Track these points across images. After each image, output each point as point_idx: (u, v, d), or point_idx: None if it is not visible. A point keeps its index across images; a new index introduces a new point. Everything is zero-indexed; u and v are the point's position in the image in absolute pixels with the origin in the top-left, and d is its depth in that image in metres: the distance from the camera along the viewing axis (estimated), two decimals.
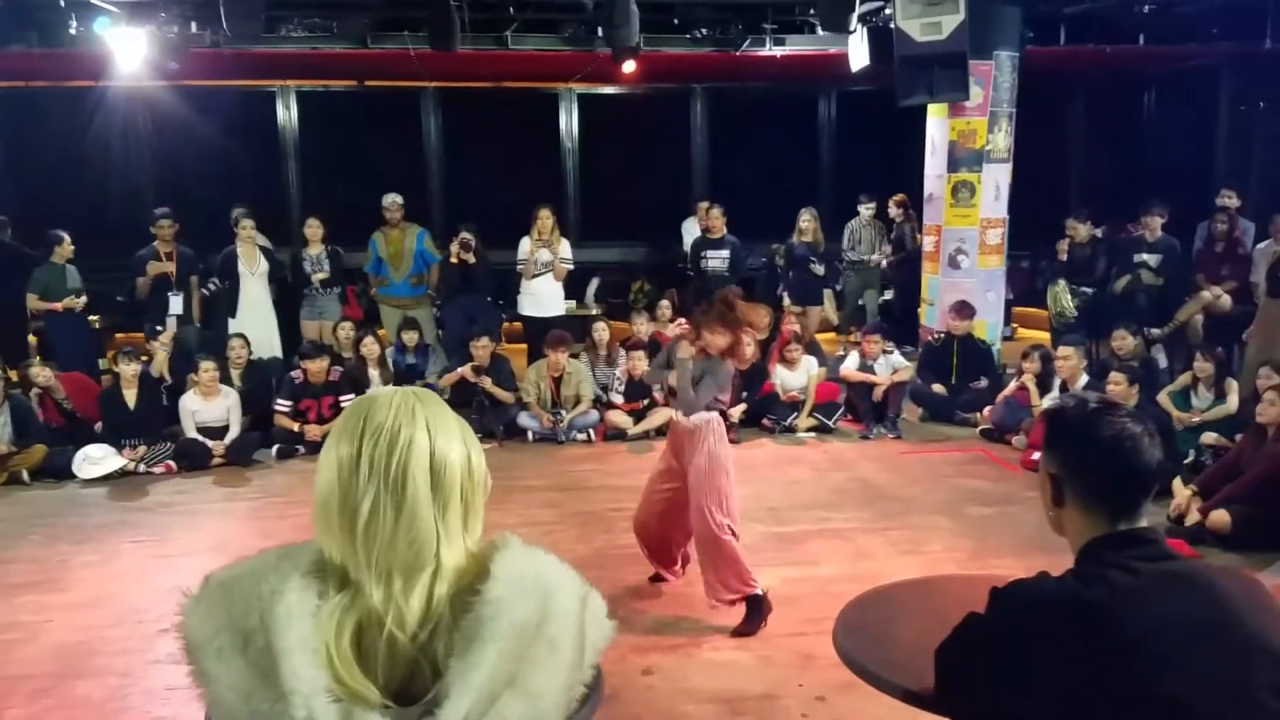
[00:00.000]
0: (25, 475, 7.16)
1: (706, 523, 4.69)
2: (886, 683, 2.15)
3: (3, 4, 8.34)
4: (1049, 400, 7.63)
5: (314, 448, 7.85)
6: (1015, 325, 11.58)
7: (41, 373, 7.73)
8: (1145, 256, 8.80)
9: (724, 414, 5.02)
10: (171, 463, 7.51)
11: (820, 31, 9.67)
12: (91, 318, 9.81)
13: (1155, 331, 8.66)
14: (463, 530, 1.39)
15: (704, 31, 9.93)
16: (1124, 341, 7.76)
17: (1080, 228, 9.27)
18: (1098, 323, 8.92)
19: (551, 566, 1.42)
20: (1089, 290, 9.08)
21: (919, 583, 2.77)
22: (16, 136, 11.42)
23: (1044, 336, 9.90)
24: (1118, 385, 6.63)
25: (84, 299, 8.86)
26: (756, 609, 4.76)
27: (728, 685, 4.27)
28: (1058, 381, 7.71)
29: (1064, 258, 9.39)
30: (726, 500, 4.75)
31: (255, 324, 8.88)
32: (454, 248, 8.87)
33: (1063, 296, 9.18)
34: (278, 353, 9.04)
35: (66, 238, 8.79)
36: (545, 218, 9.16)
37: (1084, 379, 7.54)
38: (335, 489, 1.35)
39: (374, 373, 8.37)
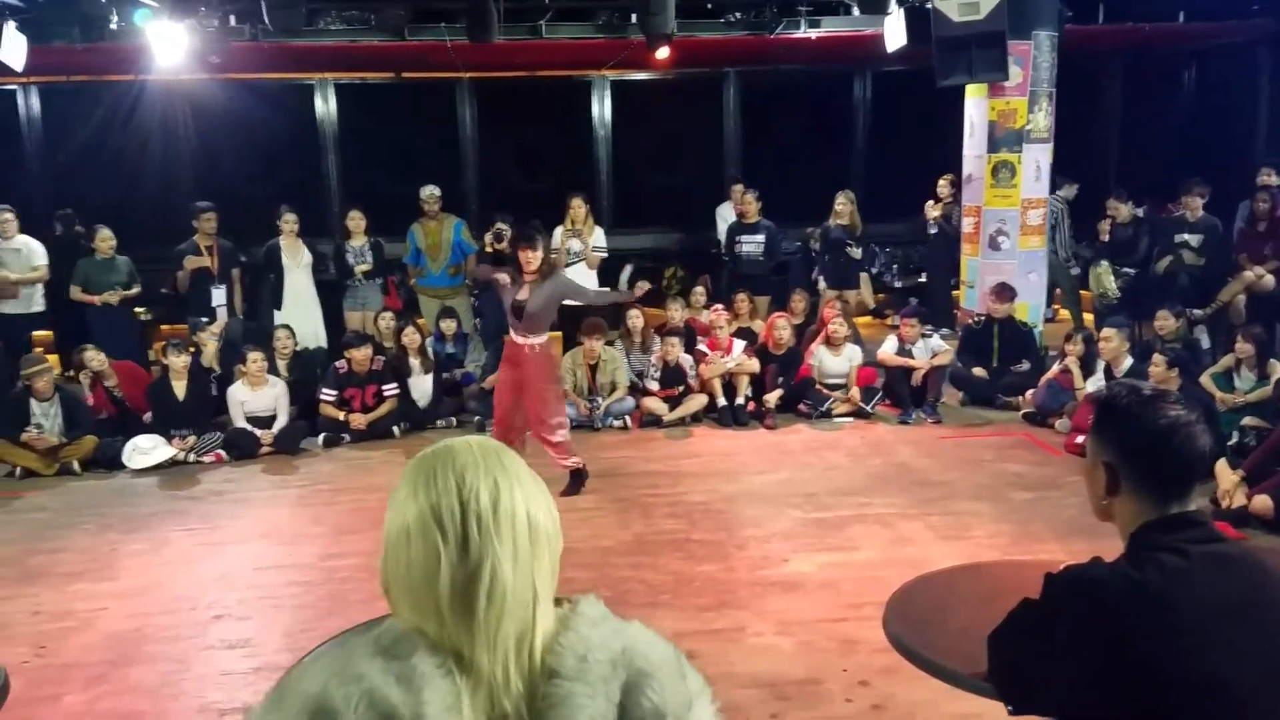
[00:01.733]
0: (76, 466, 7.32)
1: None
2: (938, 667, 2.16)
3: (45, 0, 8.46)
4: (1092, 383, 7.57)
5: (358, 436, 7.97)
6: (1057, 307, 11.46)
7: (95, 357, 7.85)
8: (1186, 236, 8.69)
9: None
10: (221, 452, 7.63)
11: (856, 13, 9.60)
12: (138, 310, 10.00)
13: (1197, 312, 8.55)
14: (549, 588, 1.28)
15: (738, 15, 9.89)
16: (1166, 323, 7.67)
17: (1122, 207, 9.17)
18: (1140, 303, 8.81)
19: (637, 645, 1.25)
20: (1131, 271, 8.98)
21: (968, 568, 2.78)
22: (59, 130, 11.60)
23: (1088, 317, 9.80)
24: (1157, 367, 6.56)
25: (134, 290, 8.98)
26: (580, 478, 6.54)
27: (770, 670, 4.30)
28: (1101, 364, 7.64)
29: (1106, 238, 9.29)
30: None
31: (300, 315, 9.01)
32: (488, 238, 8.92)
33: (1105, 277, 9.08)
34: (323, 343, 9.16)
35: (103, 230, 8.91)
36: (577, 207, 9.18)
37: (1128, 361, 7.46)
38: (443, 554, 1.21)
39: (414, 361, 8.45)
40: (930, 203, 10.61)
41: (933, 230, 10.61)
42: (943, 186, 10.54)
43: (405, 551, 1.23)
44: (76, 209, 10.07)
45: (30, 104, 11.66)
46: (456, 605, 1.20)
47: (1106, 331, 7.60)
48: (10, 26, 8.06)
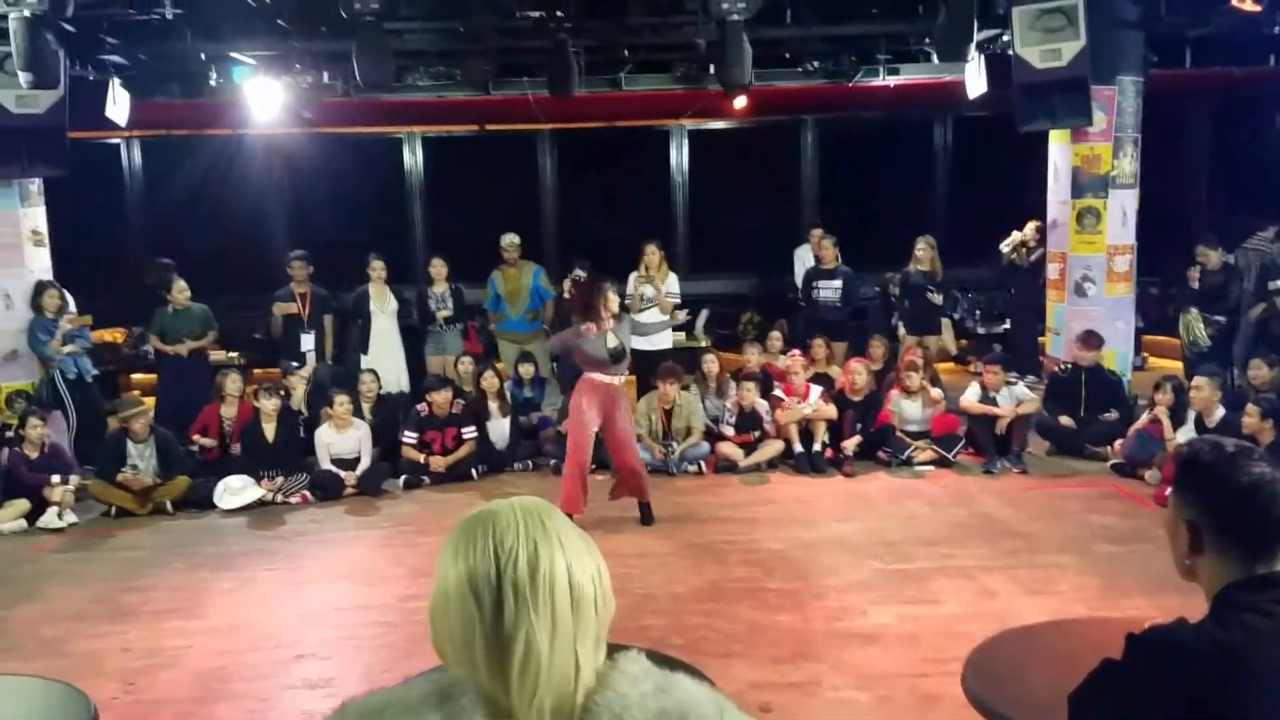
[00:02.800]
0: (169, 506, 7.55)
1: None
2: None
3: (147, 58, 8.89)
4: (1183, 433, 7.34)
5: (438, 478, 8.10)
6: (1146, 355, 11.15)
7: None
8: None
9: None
10: (307, 493, 7.82)
11: (935, 60, 9.58)
12: (231, 354, 10.32)
13: None
14: (594, 656, 1.25)
15: (815, 64, 9.94)
16: (1260, 372, 7.43)
17: (1211, 254, 8.93)
18: (1232, 352, 8.55)
19: (677, 705, 1.23)
20: (1222, 319, 8.73)
21: (1051, 625, 2.72)
22: (159, 181, 12.12)
23: (1176, 366, 9.53)
24: (1251, 418, 6.36)
25: (208, 339, 9.20)
26: (650, 511, 6.94)
27: None
28: (1192, 414, 7.42)
29: (1195, 285, 9.05)
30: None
31: (385, 359, 9.22)
32: (566, 284, 9.06)
33: (1195, 325, 8.85)
34: (405, 387, 9.35)
35: (179, 282, 9.15)
36: (651, 253, 9.27)
37: (1220, 411, 7.23)
38: (478, 621, 1.22)
39: (493, 405, 8.57)
40: (1012, 241, 10.40)
41: (1011, 259, 10.38)
42: (1029, 230, 10.27)
43: (445, 617, 1.25)
44: (175, 257, 10.44)
45: (133, 156, 12.23)
46: (493, 671, 1.21)
47: (1198, 381, 7.40)
48: (116, 83, 8.48)
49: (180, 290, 9.13)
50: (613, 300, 6.68)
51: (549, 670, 1.20)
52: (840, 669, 4.72)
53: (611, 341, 6.64)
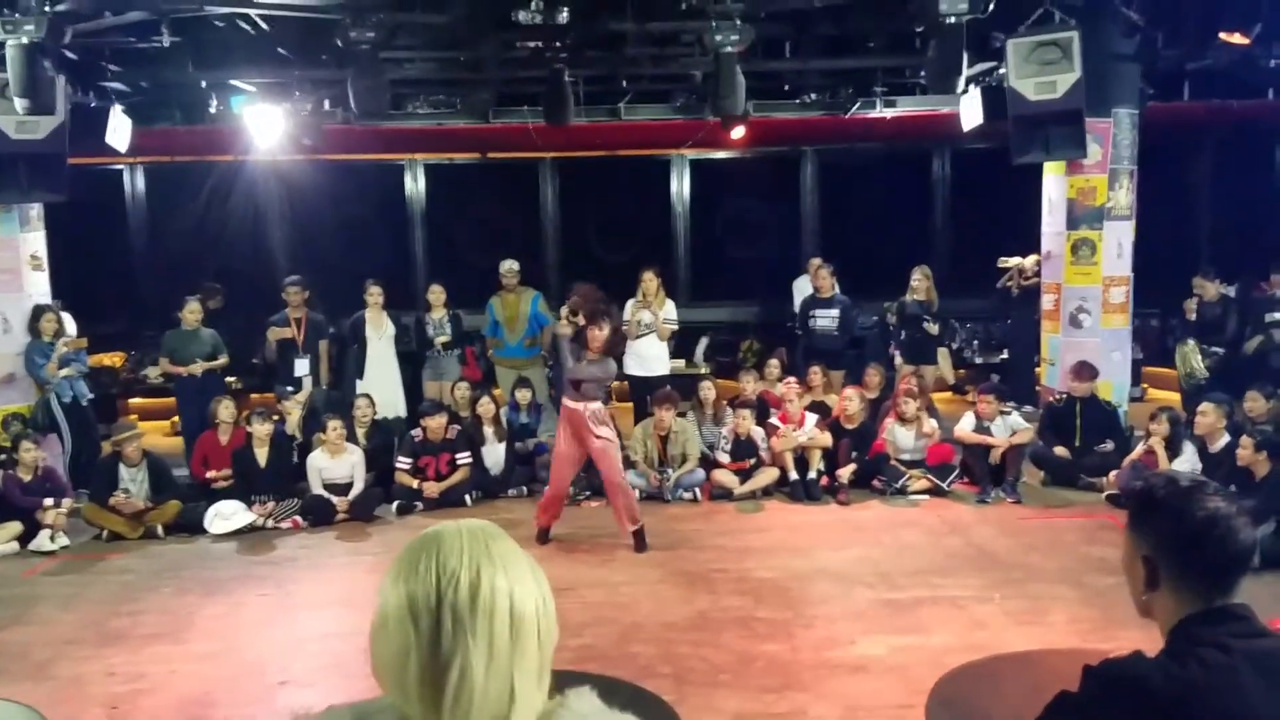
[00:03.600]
0: (160, 530, 7.54)
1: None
2: None
3: (149, 86, 8.97)
4: (1179, 464, 7.31)
5: (432, 504, 8.08)
6: (1145, 386, 11.14)
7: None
8: (1278, 315, 8.41)
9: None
10: (298, 518, 7.80)
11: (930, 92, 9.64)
12: (229, 379, 10.34)
13: None
14: (536, 686, 1.23)
15: (813, 96, 10.01)
16: (1255, 404, 7.41)
17: (1209, 286, 8.93)
18: (1230, 384, 8.52)
19: None
20: (1219, 350, 8.71)
21: (1019, 657, 2.70)
22: (162, 207, 12.20)
23: (1176, 397, 9.51)
24: (1245, 450, 6.34)
25: (220, 361, 9.23)
26: (642, 536, 6.93)
27: None
28: (1189, 445, 7.39)
29: (1192, 317, 9.04)
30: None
31: (381, 385, 9.22)
32: (563, 311, 9.06)
33: (1192, 357, 8.83)
34: (402, 412, 9.35)
35: (191, 303, 9.21)
36: (648, 280, 9.29)
37: (1224, 438, 7.20)
38: (414, 646, 1.19)
39: (489, 430, 8.58)
40: (1012, 262, 10.41)
41: (1006, 283, 10.40)
42: (1030, 261, 10.26)
43: (382, 641, 1.22)
44: (176, 281, 10.47)
45: (136, 183, 12.33)
46: (424, 698, 1.18)
47: (1204, 406, 7.37)
48: (117, 110, 8.56)
49: (192, 311, 9.17)
50: (599, 335, 6.86)
51: (483, 700, 1.17)
52: (826, 699, 4.68)
53: (592, 370, 6.84)
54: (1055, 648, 3.22)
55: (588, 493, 8.09)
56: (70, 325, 9.25)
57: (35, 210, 8.67)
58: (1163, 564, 1.80)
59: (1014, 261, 10.42)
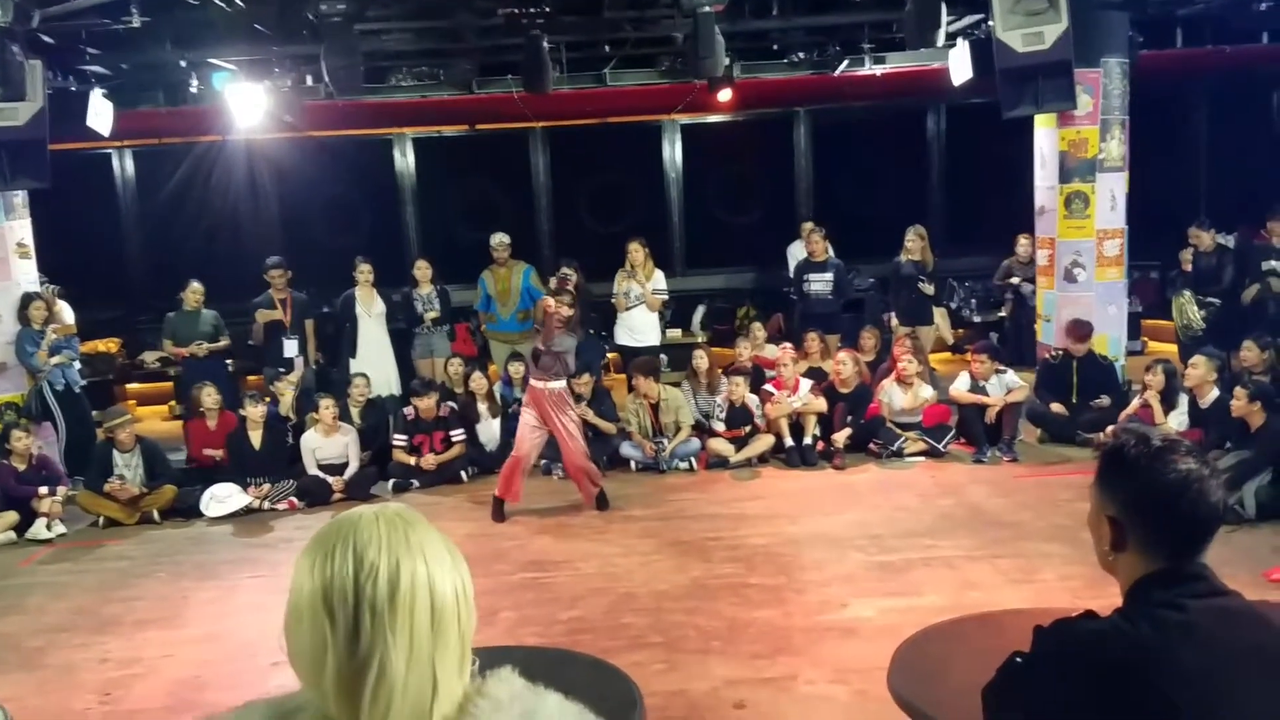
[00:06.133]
0: (156, 515, 7.55)
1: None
2: None
3: (129, 68, 8.88)
4: (1174, 417, 7.27)
5: (428, 481, 8.08)
6: (1145, 339, 11.04)
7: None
8: (1275, 264, 8.33)
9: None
10: (294, 499, 7.80)
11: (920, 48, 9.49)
12: (227, 361, 10.33)
13: None
14: (458, 674, 1.20)
15: (801, 55, 9.87)
16: (1250, 354, 7.33)
17: (1203, 235, 8.83)
18: (1227, 335, 8.45)
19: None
20: (1216, 301, 8.62)
21: (982, 618, 2.68)
22: (151, 189, 12.12)
23: (1175, 350, 9.42)
24: (1239, 401, 6.28)
25: (222, 343, 9.22)
26: (604, 494, 7.17)
27: None
28: (1183, 398, 7.33)
29: (1188, 268, 8.94)
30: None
31: (374, 363, 9.19)
32: (552, 284, 9.01)
33: (1188, 308, 8.74)
34: (396, 390, 9.32)
35: (193, 284, 9.21)
36: (635, 250, 9.22)
37: (1214, 392, 7.14)
38: (330, 642, 1.15)
39: (482, 407, 8.56)
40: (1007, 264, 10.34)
41: (1009, 297, 10.36)
42: (1023, 245, 10.07)
43: (297, 633, 1.18)
44: (166, 265, 10.44)
45: (125, 166, 12.24)
46: (342, 694, 1.15)
47: (1195, 359, 7.33)
48: (97, 94, 8.48)
49: (194, 292, 9.16)
50: (560, 307, 6.92)
51: (403, 696, 1.14)
52: (817, 664, 4.67)
53: (555, 346, 6.88)
54: (1015, 609, 3.19)
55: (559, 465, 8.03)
56: (68, 314, 9.23)
57: (20, 198, 8.61)
58: (1130, 526, 1.75)
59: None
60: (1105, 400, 8.13)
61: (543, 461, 8.21)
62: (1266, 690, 1.58)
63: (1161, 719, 1.57)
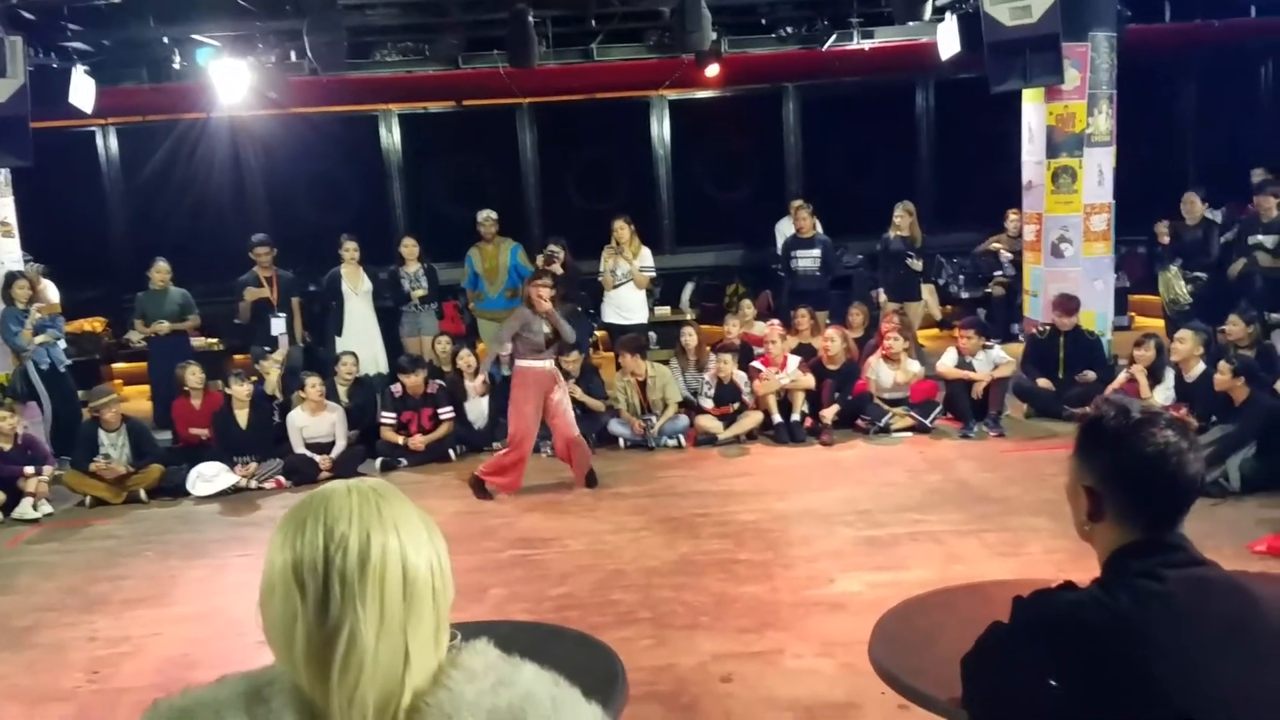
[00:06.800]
0: (143, 494, 7.53)
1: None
2: (917, 692, 2.09)
3: (111, 44, 8.79)
4: (1160, 392, 7.29)
5: (415, 460, 8.07)
6: (1133, 315, 11.06)
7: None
8: (1261, 238, 8.33)
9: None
10: (281, 478, 7.79)
11: (908, 22, 9.45)
12: (210, 340, 10.29)
13: (1275, 316, 8.18)
14: (433, 646, 1.21)
15: (789, 30, 9.82)
16: (1235, 328, 7.35)
17: (1197, 204, 8.79)
18: (1214, 309, 8.47)
19: (518, 694, 1.18)
20: (1202, 276, 8.63)
21: (966, 589, 2.69)
22: (135, 167, 12.02)
23: (1161, 325, 9.45)
24: (1223, 375, 6.31)
25: (189, 322, 9.17)
26: (593, 472, 7.16)
27: (808, 693, 4.21)
28: (1170, 372, 7.35)
29: (1165, 240, 8.94)
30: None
31: (361, 341, 9.15)
32: (540, 261, 9.00)
33: (1175, 283, 8.77)
34: (383, 368, 9.29)
35: (159, 263, 9.12)
36: (620, 228, 9.20)
37: (1200, 366, 7.17)
38: (300, 613, 1.15)
39: (470, 385, 8.53)
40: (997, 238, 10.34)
41: (998, 274, 10.37)
42: (1013, 221, 10.07)
43: (270, 605, 1.19)
44: (151, 243, 10.36)
45: (109, 144, 12.14)
46: (312, 666, 1.15)
47: (1181, 333, 7.35)
48: (79, 70, 8.40)
49: (159, 271, 9.07)
50: (543, 290, 6.89)
51: (374, 666, 1.14)
52: (804, 638, 4.69)
53: (547, 328, 6.83)
54: (1000, 580, 3.20)
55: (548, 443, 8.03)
56: (52, 293, 9.17)
57: (2, 176, 8.53)
58: (1108, 496, 1.75)
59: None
60: (1091, 375, 8.15)
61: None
62: (1244, 659, 1.59)
63: (1140, 688, 1.58)
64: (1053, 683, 1.62)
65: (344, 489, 1.23)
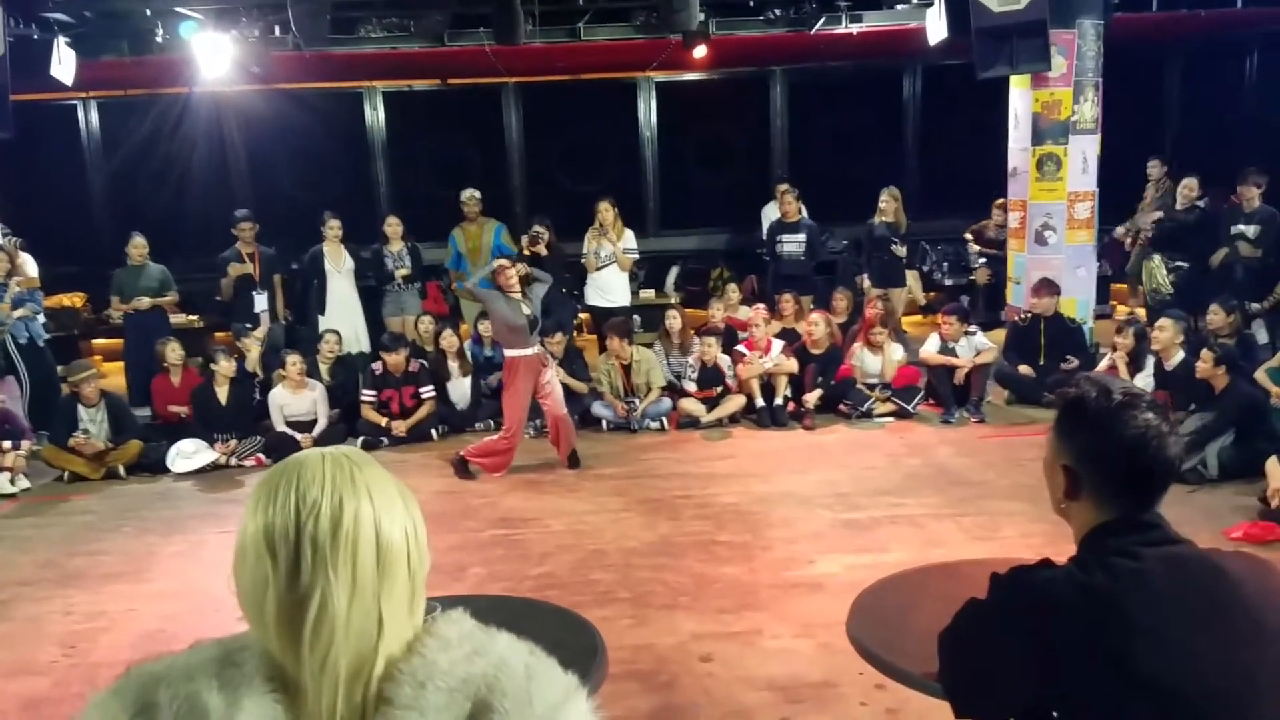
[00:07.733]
0: (122, 470, 7.48)
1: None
2: (894, 668, 2.10)
3: (93, 15, 8.69)
4: (1140, 378, 7.33)
5: (398, 440, 8.04)
6: (1115, 303, 11.12)
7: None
8: (1243, 227, 8.38)
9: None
10: (262, 456, 7.75)
11: (899, 6, 9.45)
12: (191, 317, 10.22)
13: (1255, 306, 8.23)
14: (408, 615, 1.20)
15: (777, 12, 9.80)
16: (1216, 317, 7.39)
17: (1195, 189, 8.80)
18: (1196, 299, 8.50)
19: (489, 670, 1.17)
20: (1184, 265, 8.68)
21: (943, 568, 2.70)
22: (116, 142, 11.89)
23: (1142, 314, 9.49)
24: (1205, 363, 6.35)
25: (168, 298, 9.10)
26: (576, 455, 7.20)
27: (786, 673, 4.23)
28: (1151, 359, 7.39)
29: (1141, 221, 8.95)
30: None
31: (343, 320, 9.10)
32: (524, 241, 8.95)
33: (1157, 272, 8.80)
34: (365, 347, 9.26)
35: (135, 238, 9.03)
36: (604, 210, 9.18)
37: (1180, 354, 7.20)
38: (271, 579, 1.15)
39: (453, 365, 8.52)
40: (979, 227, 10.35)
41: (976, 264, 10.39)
42: (997, 211, 10.08)
43: (242, 571, 1.19)
44: (131, 218, 10.26)
45: (90, 117, 12.00)
46: (283, 632, 1.15)
47: (1162, 322, 7.37)
48: (60, 42, 8.30)
49: (137, 247, 8.98)
50: (513, 272, 6.95)
51: (345, 632, 1.14)
52: (783, 619, 4.72)
53: (526, 310, 6.85)
54: (976, 559, 3.23)
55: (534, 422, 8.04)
56: (31, 267, 9.08)
57: None
58: (1086, 476, 1.76)
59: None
60: (1073, 362, 8.19)
61: None
62: (1220, 636, 1.60)
63: (1115, 666, 1.59)
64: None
65: (318, 456, 1.22)
